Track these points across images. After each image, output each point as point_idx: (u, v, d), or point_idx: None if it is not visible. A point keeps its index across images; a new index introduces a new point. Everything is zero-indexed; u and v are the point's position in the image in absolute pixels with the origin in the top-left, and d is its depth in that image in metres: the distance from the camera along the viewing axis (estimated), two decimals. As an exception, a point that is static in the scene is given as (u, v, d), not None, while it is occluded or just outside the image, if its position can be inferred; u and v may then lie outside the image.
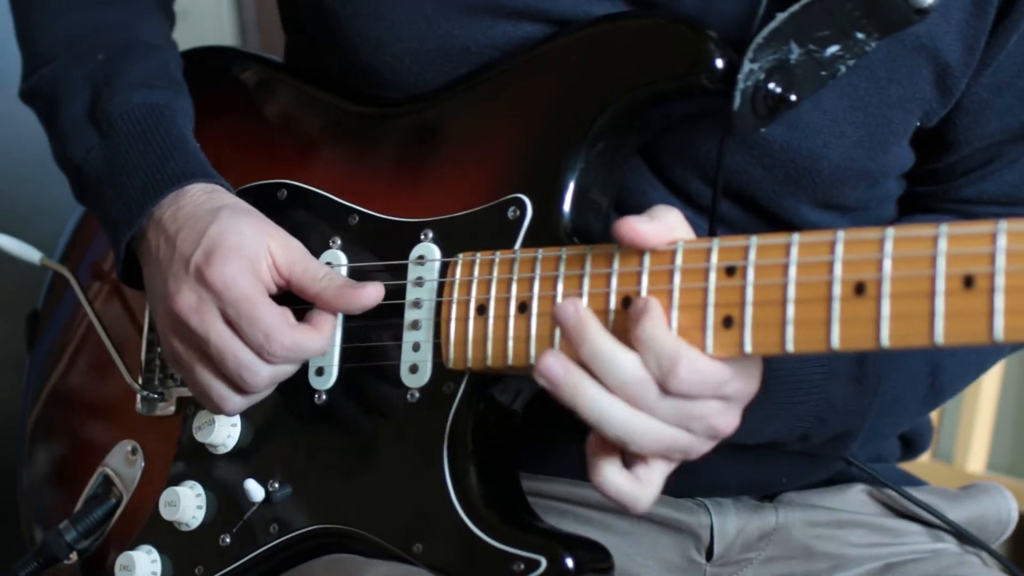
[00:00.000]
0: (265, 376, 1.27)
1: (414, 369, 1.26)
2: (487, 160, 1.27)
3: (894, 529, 1.42)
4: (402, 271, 1.28)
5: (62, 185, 1.42)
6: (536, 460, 1.35)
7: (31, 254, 1.54)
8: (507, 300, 1.20)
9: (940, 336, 1.01)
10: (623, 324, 1.12)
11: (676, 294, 1.11)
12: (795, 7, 1.15)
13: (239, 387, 1.28)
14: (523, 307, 1.19)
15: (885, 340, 1.02)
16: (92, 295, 1.51)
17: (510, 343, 1.20)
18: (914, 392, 1.34)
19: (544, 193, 1.23)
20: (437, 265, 1.26)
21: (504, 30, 1.27)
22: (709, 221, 1.23)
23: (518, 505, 1.25)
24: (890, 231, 1.03)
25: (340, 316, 1.30)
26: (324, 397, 1.31)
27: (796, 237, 1.07)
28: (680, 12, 1.23)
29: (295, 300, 1.30)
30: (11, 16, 1.47)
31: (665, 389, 1.08)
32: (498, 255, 1.22)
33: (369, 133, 1.35)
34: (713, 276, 1.10)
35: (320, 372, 1.31)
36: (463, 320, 1.22)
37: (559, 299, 1.17)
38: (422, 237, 1.28)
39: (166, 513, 1.36)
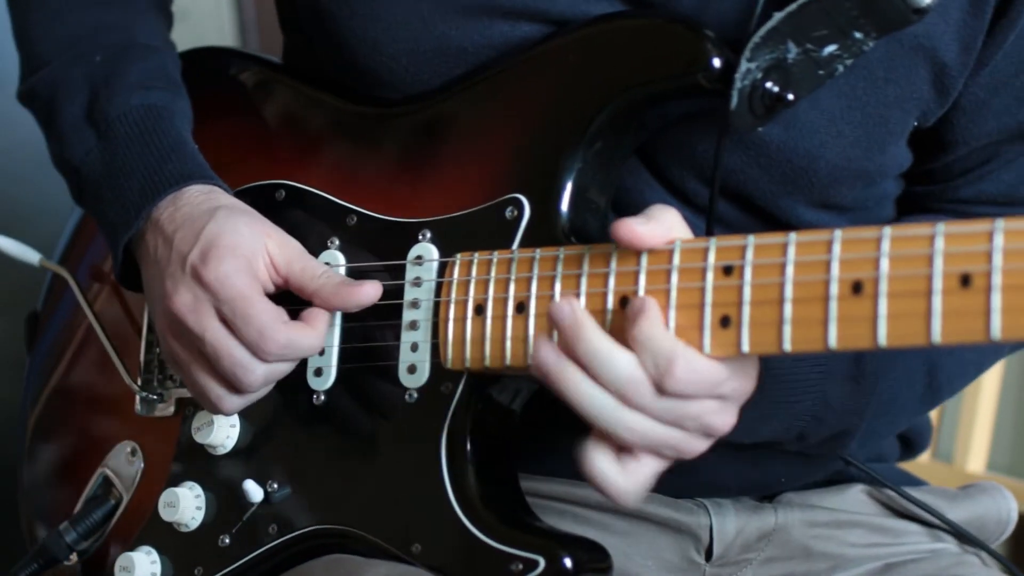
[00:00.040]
0: (260, 375, 1.27)
1: (412, 369, 1.26)
2: (485, 160, 1.27)
3: (893, 529, 1.42)
4: (400, 271, 1.28)
5: (61, 186, 1.42)
6: (536, 460, 1.35)
7: (30, 255, 1.54)
8: (505, 300, 1.20)
9: (937, 335, 1.01)
10: (620, 324, 1.12)
11: (673, 294, 1.11)
12: (792, 7, 1.15)
13: (235, 386, 1.28)
14: (521, 307, 1.19)
15: (882, 339, 1.02)
16: (91, 296, 1.51)
17: (508, 343, 1.20)
18: (912, 392, 1.34)
19: (542, 193, 1.23)
20: (435, 265, 1.26)
21: (501, 30, 1.27)
22: (707, 221, 1.23)
23: (517, 505, 1.25)
24: (887, 230, 1.03)
25: (338, 316, 1.30)
26: (322, 398, 1.31)
27: (793, 236, 1.07)
28: (677, 12, 1.23)
29: (294, 300, 1.30)
30: (9, 17, 1.48)
31: (661, 389, 1.08)
32: (496, 255, 1.22)
33: (367, 133, 1.35)
34: (710, 276, 1.10)
35: (318, 373, 1.31)
36: (461, 320, 1.22)
37: (556, 299, 1.17)
38: (420, 237, 1.28)
39: (165, 514, 1.36)
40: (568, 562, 1.18)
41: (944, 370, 1.34)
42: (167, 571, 1.37)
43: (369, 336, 1.29)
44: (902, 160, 1.33)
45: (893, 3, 1.16)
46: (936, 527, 1.43)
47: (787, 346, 1.06)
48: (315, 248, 1.32)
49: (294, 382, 1.31)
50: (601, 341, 1.10)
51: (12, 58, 1.47)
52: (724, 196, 1.27)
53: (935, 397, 1.37)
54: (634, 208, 1.16)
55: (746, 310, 1.08)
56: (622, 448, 1.12)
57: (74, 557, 1.44)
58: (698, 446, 1.13)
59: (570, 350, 1.11)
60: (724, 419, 1.11)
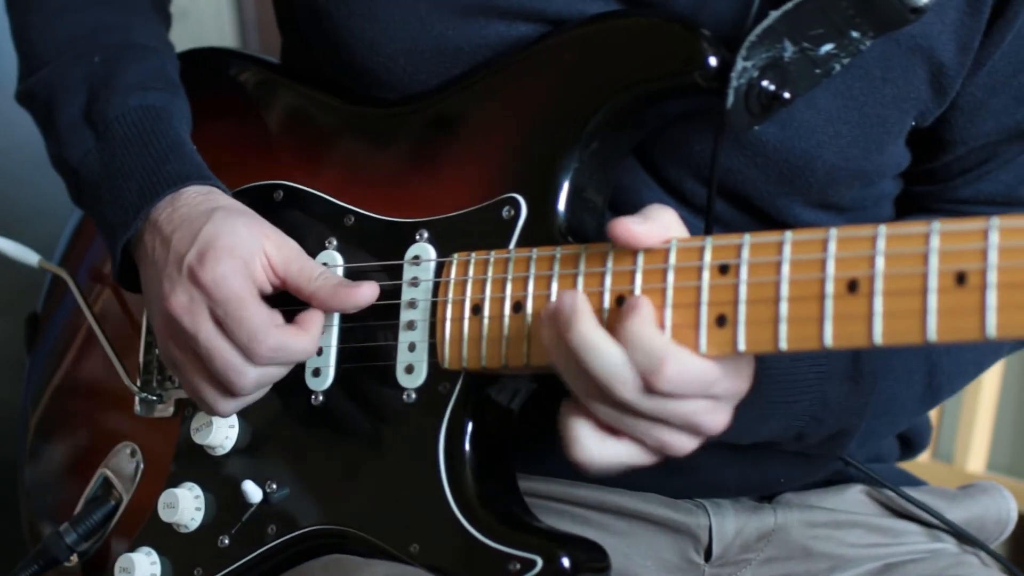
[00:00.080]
0: (252, 378, 1.27)
1: (410, 369, 1.26)
2: (482, 160, 1.27)
3: (893, 529, 1.42)
4: (398, 271, 1.28)
5: (60, 187, 1.42)
6: (535, 461, 1.35)
7: (29, 256, 1.54)
8: (502, 300, 1.20)
9: (933, 333, 1.00)
10: (616, 323, 1.12)
11: (670, 293, 1.11)
12: (788, 5, 1.15)
13: (228, 389, 1.28)
14: (518, 307, 1.19)
15: (878, 337, 1.02)
16: (91, 297, 1.51)
17: (505, 343, 1.20)
18: (911, 391, 1.34)
19: (539, 193, 1.23)
20: (432, 265, 1.26)
21: (498, 30, 1.28)
22: (705, 221, 1.23)
23: (515, 505, 1.25)
24: (882, 228, 1.03)
25: (336, 316, 1.30)
26: (321, 398, 1.31)
27: (789, 235, 1.07)
28: (673, 11, 1.23)
29: (293, 301, 1.30)
30: (8, 18, 1.48)
31: (650, 387, 1.08)
32: (493, 255, 1.22)
33: (364, 134, 1.35)
34: (707, 274, 1.10)
35: (317, 373, 1.31)
36: (458, 320, 1.23)
37: (553, 299, 1.17)
38: (417, 237, 1.28)
39: (165, 515, 1.36)
40: (566, 562, 1.18)
41: (943, 370, 1.34)
42: (167, 572, 1.37)
43: (367, 336, 1.29)
44: (900, 160, 1.32)
45: (890, 2, 1.16)
46: (935, 527, 1.43)
47: (783, 345, 1.06)
48: (313, 248, 1.32)
49: (292, 383, 1.31)
50: (592, 332, 1.10)
51: (11, 59, 1.47)
52: (722, 196, 1.27)
53: (935, 397, 1.37)
54: (631, 208, 1.16)
55: (742, 309, 1.08)
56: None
57: (75, 558, 1.44)
58: (686, 444, 1.12)
59: (563, 337, 1.11)
60: (716, 419, 1.11)
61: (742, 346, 1.08)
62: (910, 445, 1.48)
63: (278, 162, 1.39)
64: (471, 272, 1.23)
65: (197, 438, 1.36)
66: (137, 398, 1.43)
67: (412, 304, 1.26)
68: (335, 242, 1.33)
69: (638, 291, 1.12)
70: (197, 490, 1.36)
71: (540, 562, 1.18)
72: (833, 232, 1.05)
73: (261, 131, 1.42)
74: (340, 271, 1.31)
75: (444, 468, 1.24)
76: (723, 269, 1.09)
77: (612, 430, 1.12)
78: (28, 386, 1.57)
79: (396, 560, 1.25)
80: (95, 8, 1.44)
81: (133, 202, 1.32)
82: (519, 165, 1.25)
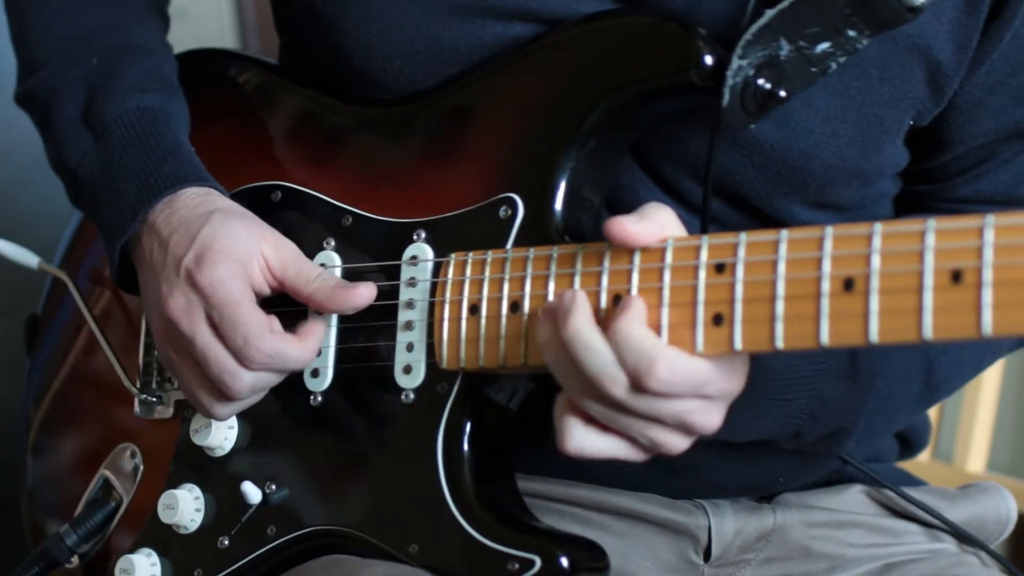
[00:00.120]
0: (247, 382, 1.27)
1: (408, 370, 1.26)
2: (478, 160, 1.27)
3: (892, 529, 1.42)
4: (395, 271, 1.28)
5: (59, 189, 1.42)
6: (535, 461, 1.34)
7: (28, 259, 1.54)
8: (499, 300, 1.20)
9: (928, 331, 1.00)
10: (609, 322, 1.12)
11: (666, 292, 1.11)
12: (784, 4, 1.15)
13: (223, 393, 1.28)
14: (515, 306, 1.19)
15: (874, 336, 1.02)
16: (91, 299, 1.51)
17: (502, 342, 1.20)
18: (908, 391, 1.34)
19: (535, 192, 1.23)
20: (430, 265, 1.26)
21: (494, 31, 1.28)
22: (701, 220, 1.23)
23: (514, 504, 1.25)
24: (878, 227, 1.03)
25: (335, 317, 1.30)
26: (319, 399, 1.31)
27: (785, 234, 1.07)
28: (669, 10, 1.23)
29: (291, 302, 1.30)
30: (6, 19, 1.48)
31: (641, 387, 1.08)
32: (490, 255, 1.22)
33: (362, 134, 1.35)
34: (703, 273, 1.10)
35: (315, 374, 1.31)
36: (456, 320, 1.23)
37: (551, 298, 1.17)
38: (415, 237, 1.28)
39: (165, 516, 1.36)
40: (564, 561, 1.18)
41: (942, 369, 1.34)
42: (167, 573, 1.38)
43: (365, 337, 1.29)
44: (898, 159, 1.32)
45: (887, 1, 1.16)
46: (935, 527, 1.43)
47: (779, 343, 1.06)
48: (311, 249, 1.32)
49: (291, 383, 1.31)
50: (586, 328, 1.10)
51: (9, 60, 1.47)
52: (719, 196, 1.27)
53: (932, 396, 1.37)
54: (628, 207, 1.16)
55: (738, 307, 1.08)
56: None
57: (75, 560, 1.45)
58: (679, 443, 1.12)
59: (557, 332, 1.11)
60: (708, 418, 1.11)
61: (738, 345, 1.08)
62: (909, 444, 1.48)
63: (276, 163, 1.39)
64: (468, 272, 1.23)
65: (196, 439, 1.36)
66: (137, 399, 1.43)
67: (410, 304, 1.27)
68: (333, 243, 1.33)
69: (635, 290, 1.12)
70: (197, 491, 1.37)
71: (538, 562, 1.18)
72: (829, 230, 1.05)
73: (259, 132, 1.42)
74: (338, 272, 1.32)
75: (442, 468, 1.24)
76: (719, 268, 1.09)
77: (604, 426, 1.12)
78: (28, 388, 1.58)
79: (395, 560, 1.25)
80: (94, 9, 1.44)
81: (131, 204, 1.32)
82: (516, 165, 1.25)
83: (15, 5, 1.47)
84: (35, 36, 1.44)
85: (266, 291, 1.29)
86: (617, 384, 1.09)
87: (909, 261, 1.01)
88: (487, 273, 1.22)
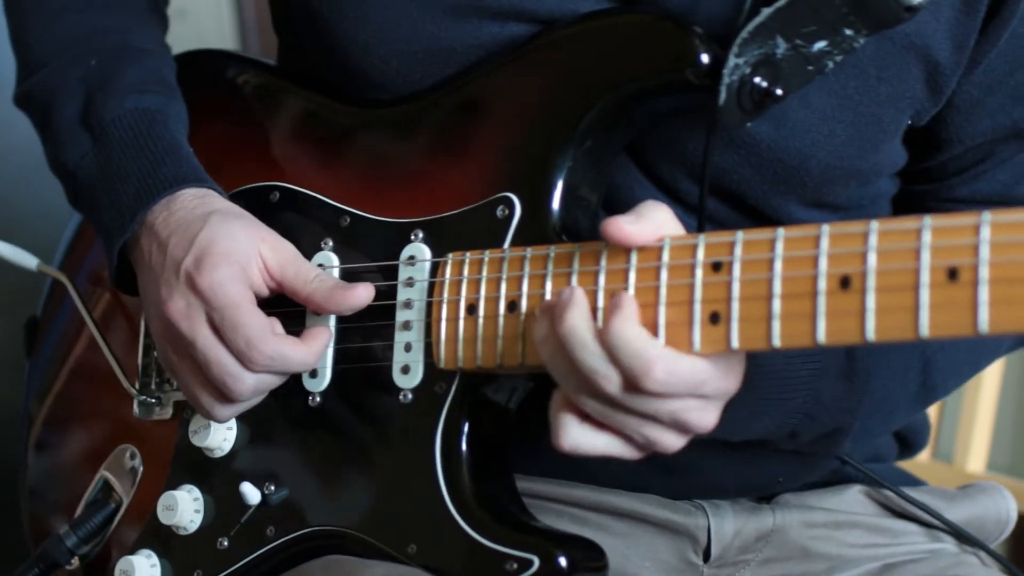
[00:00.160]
0: (249, 384, 1.27)
1: (406, 370, 1.26)
2: (476, 159, 1.27)
3: (892, 529, 1.42)
4: (393, 272, 1.28)
5: (59, 190, 1.43)
6: (535, 462, 1.35)
7: (28, 260, 1.54)
8: (496, 299, 1.20)
9: (925, 329, 1.00)
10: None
11: (663, 291, 1.11)
12: (781, 2, 1.15)
13: (224, 395, 1.28)
14: (512, 306, 1.19)
15: (870, 334, 1.02)
16: (91, 301, 1.51)
17: (499, 342, 1.20)
18: (905, 390, 1.33)
19: (532, 192, 1.23)
20: (427, 265, 1.26)
21: (491, 31, 1.28)
22: (698, 219, 1.23)
23: (512, 504, 1.25)
24: (874, 224, 1.03)
25: (333, 318, 1.30)
26: (318, 399, 1.31)
27: (781, 232, 1.07)
28: (666, 8, 1.23)
29: (290, 303, 1.30)
30: (6, 20, 1.48)
31: (638, 387, 1.08)
32: (487, 254, 1.22)
33: (359, 134, 1.35)
34: (699, 272, 1.10)
35: (314, 374, 1.31)
36: (453, 320, 1.23)
37: (547, 298, 1.17)
38: (412, 237, 1.28)
39: (164, 517, 1.36)
40: (563, 561, 1.18)
41: (939, 369, 1.34)
42: (167, 574, 1.38)
43: (363, 337, 1.29)
44: (896, 159, 1.32)
45: (884, 1, 1.16)
46: (935, 527, 1.43)
47: (776, 341, 1.06)
48: (309, 249, 1.32)
49: (290, 384, 1.31)
50: (582, 325, 1.10)
51: (9, 61, 1.47)
52: (716, 196, 1.27)
53: (930, 396, 1.37)
54: (625, 206, 1.16)
55: (735, 306, 1.08)
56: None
57: (75, 561, 1.45)
58: (674, 441, 1.12)
59: (554, 329, 1.11)
60: (704, 417, 1.11)
61: (735, 343, 1.08)
62: (908, 444, 1.48)
63: (274, 164, 1.39)
64: (466, 272, 1.23)
65: (195, 440, 1.36)
66: (136, 401, 1.43)
67: (408, 304, 1.27)
68: (331, 243, 1.33)
69: (631, 289, 1.12)
70: (196, 492, 1.37)
71: (537, 561, 1.18)
72: (825, 228, 1.05)
73: (257, 133, 1.42)
74: (336, 272, 1.32)
75: (441, 468, 1.24)
76: (716, 266, 1.09)
77: (597, 422, 1.12)
78: (28, 389, 1.58)
79: (394, 560, 1.25)
80: (92, 11, 1.44)
81: (129, 205, 1.32)
82: (513, 164, 1.25)
83: (15, 6, 1.48)
84: (34, 37, 1.44)
85: (265, 292, 1.29)
86: (611, 381, 1.09)
87: (905, 259, 1.01)
88: (484, 273, 1.22)
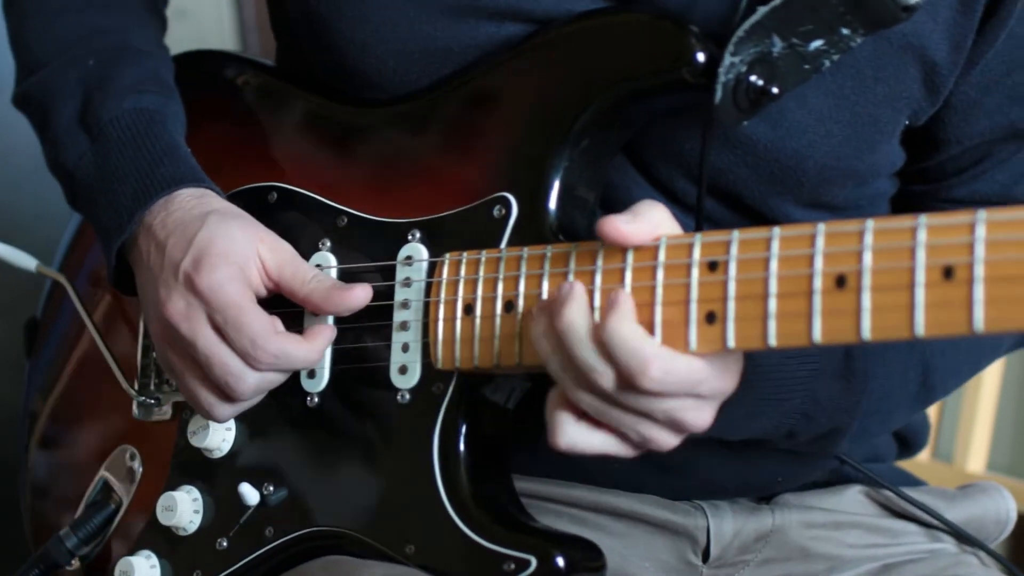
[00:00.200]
0: (251, 383, 1.27)
1: (404, 370, 1.26)
2: (472, 159, 1.27)
3: (891, 530, 1.42)
4: (390, 272, 1.28)
5: (58, 192, 1.43)
6: (534, 462, 1.35)
7: (27, 261, 1.54)
8: (493, 299, 1.20)
9: (920, 328, 1.00)
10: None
11: (659, 290, 1.11)
12: (777, 1, 1.15)
13: (226, 394, 1.28)
14: (509, 306, 1.19)
15: (866, 333, 1.02)
16: (91, 302, 1.51)
17: (496, 342, 1.20)
18: (904, 391, 1.33)
19: (529, 191, 1.23)
20: (425, 265, 1.26)
21: (487, 31, 1.28)
22: (696, 219, 1.23)
23: (510, 504, 1.25)
24: (869, 223, 1.03)
25: (330, 317, 1.30)
26: (316, 400, 1.31)
27: (777, 231, 1.07)
28: (662, 7, 1.23)
29: (288, 303, 1.30)
30: (5, 21, 1.49)
31: (636, 386, 1.08)
32: (484, 254, 1.22)
33: (357, 135, 1.35)
34: (696, 272, 1.10)
35: (312, 375, 1.31)
36: (450, 320, 1.23)
37: (544, 297, 1.17)
38: (409, 238, 1.28)
39: (163, 518, 1.36)
40: (560, 561, 1.18)
41: (938, 369, 1.34)
42: (166, 574, 1.38)
43: (361, 337, 1.29)
44: (894, 159, 1.32)
45: (881, 0, 1.15)
46: (934, 527, 1.42)
47: (772, 341, 1.06)
48: (307, 250, 1.32)
49: (288, 385, 1.31)
50: (580, 318, 1.10)
51: (8, 62, 1.47)
52: (713, 196, 1.27)
53: (929, 396, 1.36)
54: (622, 206, 1.15)
55: (731, 305, 1.08)
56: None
57: (76, 562, 1.45)
58: (668, 439, 1.12)
59: (552, 323, 1.11)
60: (699, 416, 1.11)
61: (731, 343, 1.08)
62: (908, 444, 1.48)
63: (272, 164, 1.39)
64: (463, 272, 1.23)
65: (194, 441, 1.36)
66: (135, 401, 1.43)
67: (405, 305, 1.27)
68: (328, 243, 1.33)
69: (628, 289, 1.12)
70: (195, 493, 1.37)
71: (534, 562, 1.18)
72: (821, 227, 1.05)
73: (256, 133, 1.43)
74: (334, 272, 1.32)
75: (439, 468, 1.24)
76: (712, 266, 1.09)
77: (594, 420, 1.12)
78: (29, 390, 1.58)
79: (392, 561, 1.25)
80: (91, 11, 1.45)
81: (127, 205, 1.32)
82: (509, 164, 1.25)
83: (13, 6, 1.48)
84: (33, 38, 1.45)
85: (263, 292, 1.29)
86: (606, 378, 1.09)
87: (901, 257, 1.01)
88: (481, 273, 1.22)
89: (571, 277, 1.15)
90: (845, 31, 1.16)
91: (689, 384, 1.09)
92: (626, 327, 1.08)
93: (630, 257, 1.13)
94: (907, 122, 1.28)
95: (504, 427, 1.27)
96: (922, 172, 1.35)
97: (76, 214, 1.53)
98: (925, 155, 1.33)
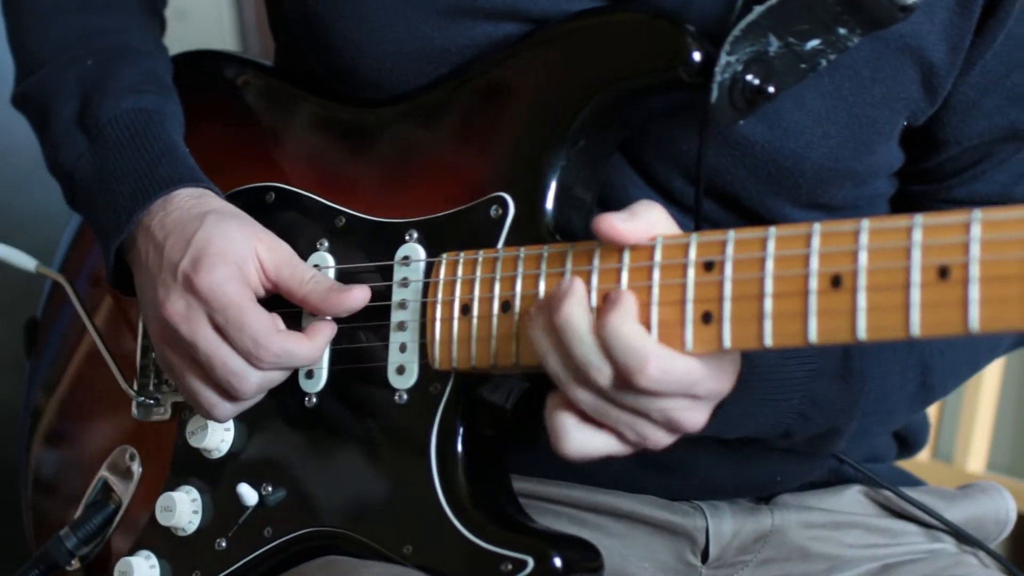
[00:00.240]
0: (254, 382, 1.27)
1: (401, 370, 1.26)
2: (470, 159, 1.27)
3: (891, 530, 1.41)
4: (388, 272, 1.28)
5: (58, 192, 1.43)
6: (532, 462, 1.35)
7: (26, 262, 1.54)
8: (490, 299, 1.20)
9: (916, 328, 1.00)
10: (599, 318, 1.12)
11: (655, 290, 1.11)
12: (773, 0, 1.15)
13: (229, 394, 1.28)
14: (506, 306, 1.19)
15: (862, 333, 1.02)
16: (91, 303, 1.51)
17: (493, 342, 1.20)
18: (904, 391, 1.33)
19: (526, 191, 1.23)
20: (422, 265, 1.26)
21: (484, 31, 1.28)
22: (694, 219, 1.23)
23: (508, 505, 1.25)
24: (865, 223, 1.03)
25: (328, 318, 1.30)
26: (314, 400, 1.31)
27: (773, 231, 1.07)
28: (658, 7, 1.22)
29: (286, 303, 1.30)
30: (4, 21, 1.49)
31: (633, 385, 1.08)
32: (481, 254, 1.22)
33: (355, 135, 1.35)
34: (692, 271, 1.09)
35: (310, 375, 1.32)
36: (448, 320, 1.23)
37: (541, 297, 1.17)
38: (407, 238, 1.28)
39: (162, 518, 1.37)
40: (558, 562, 1.18)
41: (937, 369, 1.34)
42: (166, 574, 1.38)
43: (359, 337, 1.29)
44: (893, 160, 1.32)
45: (879, 0, 1.15)
46: (934, 527, 1.42)
47: (768, 341, 1.06)
48: (305, 250, 1.32)
49: (286, 385, 1.31)
50: (579, 314, 1.10)
51: (7, 62, 1.48)
52: (711, 196, 1.27)
53: (928, 396, 1.36)
54: (619, 206, 1.15)
55: (727, 306, 1.08)
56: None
57: (76, 562, 1.45)
58: (662, 438, 1.12)
59: (551, 319, 1.11)
60: (694, 417, 1.11)
61: (727, 343, 1.07)
62: (908, 444, 1.48)
63: (271, 164, 1.39)
64: (460, 272, 1.23)
65: (193, 441, 1.36)
66: (134, 402, 1.43)
67: (402, 305, 1.27)
68: (326, 243, 1.33)
69: (624, 289, 1.12)
70: (194, 493, 1.37)
71: (531, 562, 1.18)
72: (816, 227, 1.05)
73: (254, 133, 1.43)
74: (332, 273, 1.32)
75: (436, 469, 1.24)
76: (708, 266, 1.09)
77: (595, 421, 1.12)
78: (29, 390, 1.58)
79: (390, 561, 1.25)
80: (89, 11, 1.45)
81: (125, 205, 1.32)
82: (506, 164, 1.25)
83: (12, 6, 1.48)
84: (31, 38, 1.45)
85: (261, 292, 1.29)
86: (603, 375, 1.09)
87: (896, 257, 1.01)
88: (478, 273, 1.22)
89: (568, 277, 1.15)
90: (842, 31, 1.16)
91: (685, 384, 1.08)
92: (627, 325, 1.08)
93: (626, 257, 1.13)
94: (905, 123, 1.28)
95: (502, 427, 1.27)
96: (921, 173, 1.35)
97: (76, 214, 1.53)
98: (924, 156, 1.33)
